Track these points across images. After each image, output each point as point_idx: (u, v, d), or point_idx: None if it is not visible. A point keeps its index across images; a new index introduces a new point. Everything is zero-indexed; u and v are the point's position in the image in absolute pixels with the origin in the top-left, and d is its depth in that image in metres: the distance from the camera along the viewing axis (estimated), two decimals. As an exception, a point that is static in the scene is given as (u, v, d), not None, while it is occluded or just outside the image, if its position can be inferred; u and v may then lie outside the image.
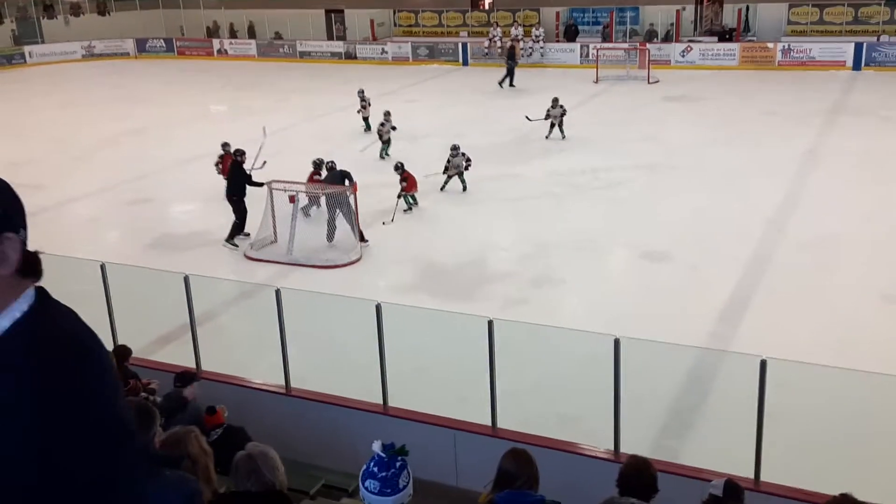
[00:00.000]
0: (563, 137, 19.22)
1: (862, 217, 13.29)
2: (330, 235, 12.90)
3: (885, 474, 6.49)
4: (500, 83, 26.69)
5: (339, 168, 13.79)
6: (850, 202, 14.08)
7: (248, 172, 13.28)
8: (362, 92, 21.01)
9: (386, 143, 18.03)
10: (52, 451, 1.35)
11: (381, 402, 7.13)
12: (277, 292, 7.40)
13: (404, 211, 14.41)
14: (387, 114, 18.16)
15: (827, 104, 21.97)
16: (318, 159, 14.54)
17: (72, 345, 1.47)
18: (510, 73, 26.80)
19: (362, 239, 12.88)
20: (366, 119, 20.79)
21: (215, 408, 6.13)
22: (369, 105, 20.75)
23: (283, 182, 12.84)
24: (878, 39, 27.48)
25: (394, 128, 17.98)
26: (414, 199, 14.63)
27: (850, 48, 27.10)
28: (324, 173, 14.01)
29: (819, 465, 6.78)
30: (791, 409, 7.10)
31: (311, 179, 14.10)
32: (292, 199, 12.60)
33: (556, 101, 19.33)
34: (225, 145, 14.92)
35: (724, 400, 8.06)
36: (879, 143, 17.82)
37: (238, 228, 13.27)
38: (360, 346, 7.75)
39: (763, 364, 5.81)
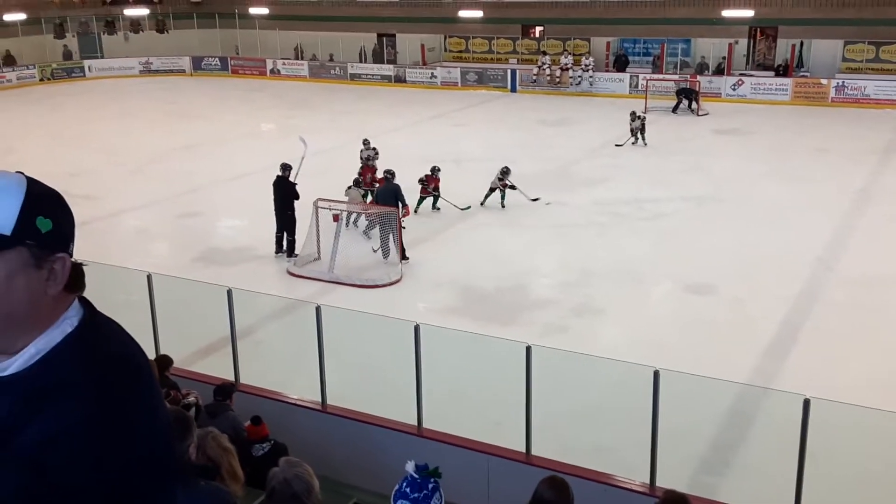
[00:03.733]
0: (645, 144, 21.33)
1: (915, 258, 12.98)
2: (385, 252, 13.03)
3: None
4: (696, 113, 26.44)
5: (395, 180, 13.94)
6: (902, 243, 13.76)
7: (294, 185, 13.49)
8: (368, 143, 17.59)
9: (503, 192, 16.08)
10: (113, 473, 1.34)
11: (415, 423, 7.11)
12: (318, 309, 7.45)
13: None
14: (506, 171, 16.04)
15: (881, 143, 21.55)
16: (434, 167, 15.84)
17: (125, 362, 1.46)
18: (694, 100, 26.73)
19: (404, 257, 12.99)
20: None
21: (260, 418, 6.18)
22: (376, 156, 16.89)
23: (328, 200, 12.98)
24: (935, 78, 26.94)
25: (513, 187, 16.01)
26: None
27: (907, 87, 26.61)
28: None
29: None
30: (834, 450, 6.91)
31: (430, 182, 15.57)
32: (336, 218, 12.73)
33: (633, 114, 21.60)
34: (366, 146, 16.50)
35: (766, 438, 7.89)
36: (935, 183, 17.41)
37: (293, 244, 13.51)
38: (397, 367, 7.77)
39: (806, 403, 5.68)
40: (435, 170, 15.81)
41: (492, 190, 16.09)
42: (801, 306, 11.34)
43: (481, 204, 16.14)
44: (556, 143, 22.54)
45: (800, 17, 29.28)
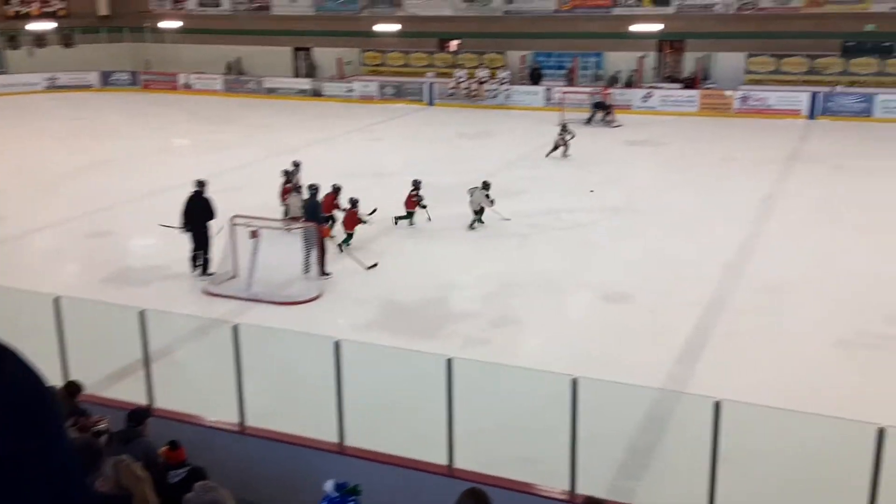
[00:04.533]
0: (566, 156, 21.71)
1: (816, 263, 13.57)
2: (305, 267, 12.97)
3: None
4: (611, 125, 27.12)
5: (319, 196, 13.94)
6: (804, 248, 14.38)
7: (210, 201, 13.32)
8: (298, 165, 16.61)
9: (479, 212, 15.78)
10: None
11: (337, 441, 7.05)
12: (235, 328, 7.33)
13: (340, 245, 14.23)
14: (486, 184, 15.90)
15: (783, 152, 22.51)
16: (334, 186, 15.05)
17: (25, 391, 1.41)
18: (609, 113, 27.43)
19: (324, 273, 12.97)
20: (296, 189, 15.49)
21: (177, 443, 6.04)
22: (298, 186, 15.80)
23: (245, 217, 12.78)
24: (832, 90, 28.31)
25: (492, 202, 15.73)
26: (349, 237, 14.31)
27: (806, 98, 27.90)
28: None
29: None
30: (745, 450, 7.15)
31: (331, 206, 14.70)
32: (254, 235, 12.54)
33: (564, 126, 22.16)
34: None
35: (681, 441, 8.11)
36: (833, 190, 18.28)
37: (207, 262, 13.36)
38: (318, 384, 7.68)
39: (717, 406, 5.87)
40: (417, 183, 15.89)
41: (476, 212, 15.66)
42: (711, 312, 11.72)
43: (470, 227, 15.66)
44: (475, 155, 22.75)
45: (705, 30, 30.40)
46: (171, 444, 6.05)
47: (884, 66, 28.65)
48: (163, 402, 7.80)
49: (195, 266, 13.37)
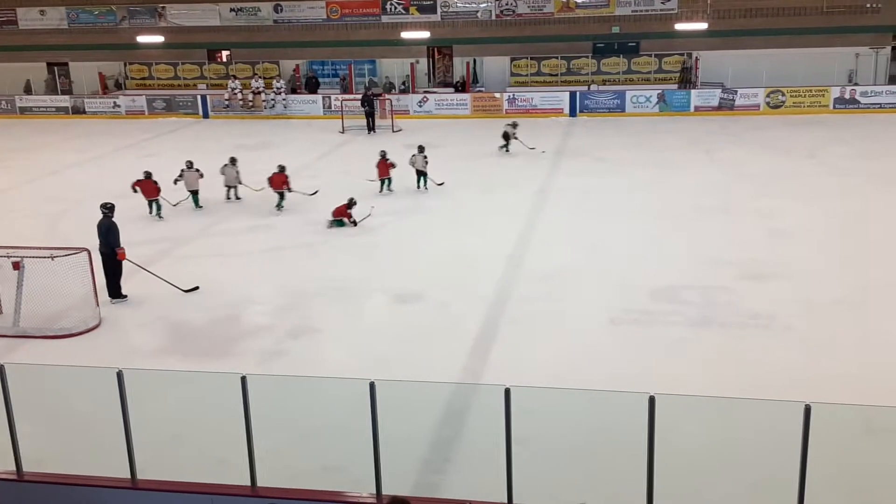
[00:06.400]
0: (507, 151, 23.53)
1: (587, 248, 14.62)
2: (112, 292, 12.63)
3: (621, 484, 7.10)
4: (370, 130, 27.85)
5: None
6: (576, 235, 15.45)
7: None
8: (191, 164, 18.57)
9: (423, 174, 19.39)
10: None
11: (129, 476, 6.66)
12: (0, 369, 6.71)
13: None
14: (421, 148, 19.64)
15: (551, 147, 24.02)
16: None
17: None
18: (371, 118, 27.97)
19: (119, 295, 12.62)
20: (194, 192, 18.30)
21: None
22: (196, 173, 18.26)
23: (6, 248, 11.72)
24: (588, 88, 30.61)
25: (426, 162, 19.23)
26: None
27: (566, 97, 29.98)
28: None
29: (565, 482, 7.29)
30: (536, 431, 7.57)
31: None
32: (16, 266, 11.52)
33: (515, 124, 23.87)
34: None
35: (479, 431, 8.44)
36: (596, 181, 19.77)
37: None
38: (103, 419, 7.21)
39: (507, 392, 6.16)
40: (384, 153, 19.06)
41: (419, 173, 19.20)
42: (497, 303, 12.28)
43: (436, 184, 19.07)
44: (257, 167, 22.25)
45: (470, 36, 31.77)
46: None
47: (631, 65, 31.41)
48: (-79, 460, 6.99)
49: None
